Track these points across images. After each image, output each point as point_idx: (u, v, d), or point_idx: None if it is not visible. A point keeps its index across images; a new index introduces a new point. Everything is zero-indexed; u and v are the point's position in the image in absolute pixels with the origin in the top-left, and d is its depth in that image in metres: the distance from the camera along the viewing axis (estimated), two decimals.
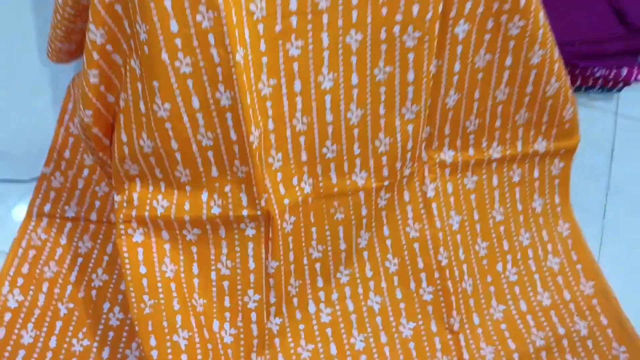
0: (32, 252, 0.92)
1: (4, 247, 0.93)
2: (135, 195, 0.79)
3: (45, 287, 0.89)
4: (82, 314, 0.88)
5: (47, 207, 0.95)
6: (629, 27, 1.02)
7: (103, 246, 0.93)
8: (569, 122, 0.91)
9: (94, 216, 0.95)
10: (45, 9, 1.10)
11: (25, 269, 0.90)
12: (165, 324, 0.76)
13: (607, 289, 0.92)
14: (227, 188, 0.77)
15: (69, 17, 0.75)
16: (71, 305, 0.89)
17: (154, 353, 0.75)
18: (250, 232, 0.78)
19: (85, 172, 0.98)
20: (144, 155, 0.75)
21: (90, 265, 0.92)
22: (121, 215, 0.79)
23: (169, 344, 0.76)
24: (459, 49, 0.79)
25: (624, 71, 1.06)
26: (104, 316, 0.88)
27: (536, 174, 0.96)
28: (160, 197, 0.79)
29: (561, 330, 0.88)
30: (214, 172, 0.76)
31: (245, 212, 0.76)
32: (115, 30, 0.68)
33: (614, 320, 0.89)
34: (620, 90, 1.12)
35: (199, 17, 0.64)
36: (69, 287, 0.90)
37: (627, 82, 1.09)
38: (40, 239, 0.93)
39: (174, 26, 0.64)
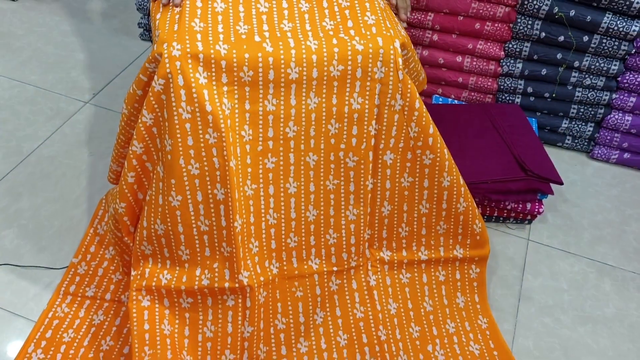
0: (55, 322, 1.15)
1: (34, 317, 1.16)
2: (147, 271, 1.05)
3: (62, 348, 1.11)
4: None
5: (72, 288, 1.20)
6: (526, 173, 1.35)
7: (113, 319, 1.16)
8: (479, 235, 1.17)
9: (108, 296, 1.20)
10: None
11: (48, 334, 1.13)
12: None
13: None
14: (215, 265, 1.02)
15: (122, 143, 1.09)
16: None
17: None
18: (230, 302, 1.02)
19: (105, 263, 1.25)
20: (157, 237, 1.03)
21: (101, 333, 1.14)
22: (134, 285, 1.05)
23: None
24: (388, 172, 1.08)
25: (529, 205, 1.38)
26: None
27: (457, 275, 1.20)
28: (165, 272, 1.05)
29: None
30: (207, 252, 1.02)
31: (227, 285, 1.00)
32: (150, 144, 1.00)
33: None
34: (530, 222, 1.43)
35: (207, 136, 0.95)
36: (82, 350, 1.11)
37: (533, 215, 1.40)
38: (63, 312, 1.17)
39: (190, 141, 0.95)
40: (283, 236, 1.07)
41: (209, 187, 0.98)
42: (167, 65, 0.91)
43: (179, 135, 0.94)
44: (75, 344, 1.12)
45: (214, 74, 0.93)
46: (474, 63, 1.59)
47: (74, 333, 1.13)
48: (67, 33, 1.93)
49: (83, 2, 2.09)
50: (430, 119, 1.06)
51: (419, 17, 1.56)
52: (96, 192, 1.41)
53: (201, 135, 0.95)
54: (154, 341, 1.00)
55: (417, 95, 1.03)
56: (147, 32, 1.90)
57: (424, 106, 1.04)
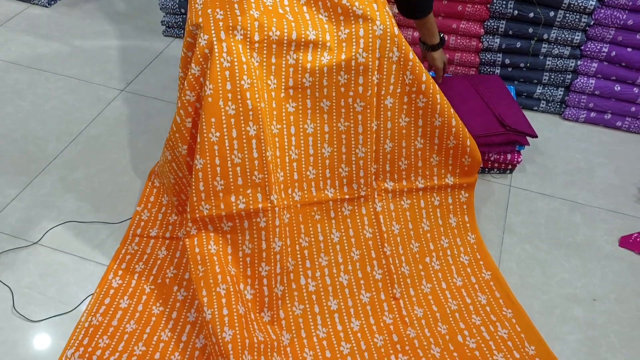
0: (127, 257, 1.38)
1: (101, 260, 1.40)
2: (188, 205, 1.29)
3: (135, 276, 1.34)
4: (159, 292, 1.31)
5: (138, 231, 1.44)
6: (506, 128, 1.59)
7: (173, 252, 1.39)
8: (467, 166, 1.41)
9: (167, 234, 1.43)
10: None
11: (123, 266, 1.36)
12: (211, 281, 1.20)
13: (499, 275, 1.36)
14: (248, 191, 1.21)
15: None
16: (152, 287, 1.32)
17: (205, 299, 1.18)
18: (262, 223, 1.22)
19: (163, 209, 1.49)
20: (196, 172, 1.22)
21: (165, 264, 1.37)
22: (185, 221, 1.28)
23: (214, 293, 1.18)
24: (389, 114, 1.30)
25: (509, 156, 1.62)
26: (173, 294, 1.31)
27: (450, 200, 1.44)
28: (203, 203, 1.26)
29: (468, 300, 1.31)
30: (239, 181, 1.21)
31: (260, 205, 1.20)
32: (200, 93, 1.21)
33: (504, 294, 1.32)
34: (511, 171, 1.67)
35: (242, 82, 1.15)
36: (151, 277, 1.34)
37: (513, 164, 1.64)
38: (133, 249, 1.40)
39: (228, 85, 1.15)
40: (303, 169, 1.27)
41: (242, 124, 1.17)
42: (212, 25, 1.14)
43: (219, 80, 1.15)
44: (145, 274, 1.35)
45: (248, 32, 1.16)
46: (458, 41, 1.84)
47: (143, 265, 1.37)
48: (99, 33, 2.18)
49: (110, 6, 2.34)
50: (423, 68, 1.28)
51: None
52: (139, 162, 1.65)
53: (237, 81, 1.15)
54: (204, 260, 1.21)
55: (410, 48, 1.25)
56: (169, 29, 2.14)
57: (415, 56, 1.27)
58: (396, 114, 1.31)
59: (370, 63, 1.23)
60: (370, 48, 1.22)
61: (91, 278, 1.35)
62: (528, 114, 1.87)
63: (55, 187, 1.57)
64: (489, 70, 1.87)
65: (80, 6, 2.33)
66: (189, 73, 1.19)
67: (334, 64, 1.22)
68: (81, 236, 1.45)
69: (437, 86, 1.31)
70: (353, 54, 1.21)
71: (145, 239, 1.43)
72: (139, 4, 2.35)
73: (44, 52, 2.07)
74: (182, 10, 2.08)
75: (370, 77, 1.24)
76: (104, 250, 1.42)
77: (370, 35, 1.21)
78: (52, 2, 2.32)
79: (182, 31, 2.12)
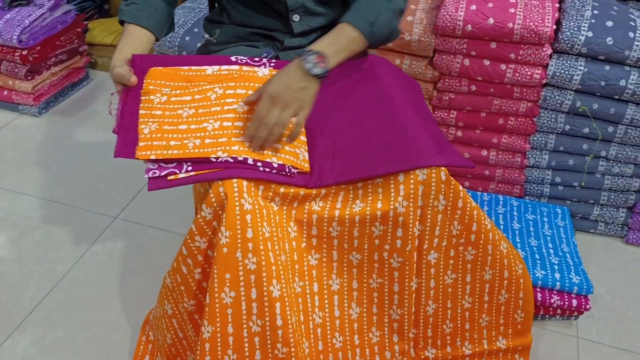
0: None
1: None
2: None
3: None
4: None
5: None
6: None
7: None
8: (520, 324, 1.18)
9: None
10: None
11: None
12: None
13: None
14: None
15: None
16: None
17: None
18: None
19: None
20: (202, 342, 0.96)
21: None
22: None
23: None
24: (432, 271, 1.09)
25: (575, 302, 1.35)
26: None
27: None
28: None
29: None
30: (257, 356, 0.97)
31: None
32: (213, 239, 0.97)
33: None
34: (577, 317, 1.39)
35: (263, 230, 0.94)
36: None
37: (580, 311, 1.37)
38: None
39: (249, 233, 0.93)
40: (329, 336, 1.06)
41: (265, 284, 0.95)
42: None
43: (238, 227, 0.93)
44: None
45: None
46: (500, 156, 1.60)
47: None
48: (92, 145, 1.96)
49: (105, 113, 2.14)
50: (475, 215, 1.06)
51: (442, 115, 1.59)
52: (132, 313, 1.39)
53: (259, 228, 0.94)
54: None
55: (461, 193, 1.04)
56: None
57: (468, 202, 1.05)
58: (441, 270, 1.10)
59: (411, 213, 1.01)
60: (411, 196, 1.00)
61: None
62: (584, 238, 1.62)
63: (29, 352, 1.30)
64: (536, 189, 1.63)
65: (74, 114, 2.14)
66: (199, 215, 0.97)
67: (368, 213, 1.01)
68: None
69: (490, 235, 1.08)
70: (391, 202, 1.00)
71: None
72: None
73: (29, 170, 1.84)
74: None
75: (410, 229, 1.03)
76: None
77: (412, 181, 0.99)
78: (44, 111, 2.12)
79: None
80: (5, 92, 2.10)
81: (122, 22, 1.11)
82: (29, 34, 2.00)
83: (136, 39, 1.09)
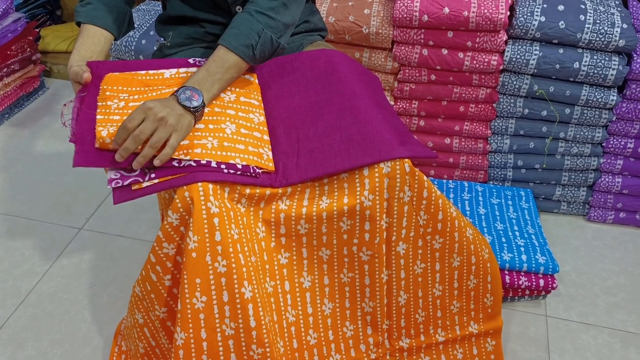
0: None
1: None
2: None
3: None
4: None
5: None
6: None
7: None
8: (490, 307, 1.19)
9: None
10: None
11: None
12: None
13: None
14: None
15: None
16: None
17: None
18: None
19: None
20: (176, 349, 0.95)
21: None
22: None
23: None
24: (402, 261, 1.09)
25: (542, 282, 1.38)
26: None
27: (475, 351, 1.21)
28: None
29: None
30: (232, 359, 0.96)
31: None
32: (181, 244, 0.96)
33: None
34: (544, 297, 1.43)
35: (232, 232, 0.93)
36: None
37: (547, 290, 1.40)
38: None
39: (217, 236, 0.92)
40: (303, 334, 1.06)
41: (236, 286, 0.94)
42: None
43: (206, 231, 0.92)
44: None
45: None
46: (463, 143, 1.63)
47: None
48: (52, 156, 1.91)
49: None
50: (440, 204, 1.07)
51: (404, 106, 1.61)
52: (103, 325, 1.37)
53: (227, 230, 0.93)
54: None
55: (426, 183, 1.05)
56: None
57: (433, 191, 1.06)
58: (410, 260, 1.11)
59: (377, 206, 1.02)
60: (377, 189, 1.00)
61: None
62: (548, 218, 1.66)
63: None
64: (499, 173, 1.66)
65: (30, 125, 2.08)
66: (166, 222, 0.96)
67: (335, 208, 1.01)
68: None
69: (455, 222, 1.09)
70: (357, 196, 1.00)
71: None
72: None
73: None
74: None
75: (378, 222, 1.03)
76: None
77: (377, 174, 0.99)
78: None
79: None
80: None
81: (78, 24, 1.09)
82: None
83: (93, 38, 1.07)
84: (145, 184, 0.94)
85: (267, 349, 0.96)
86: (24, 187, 1.79)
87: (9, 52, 2.05)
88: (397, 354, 1.16)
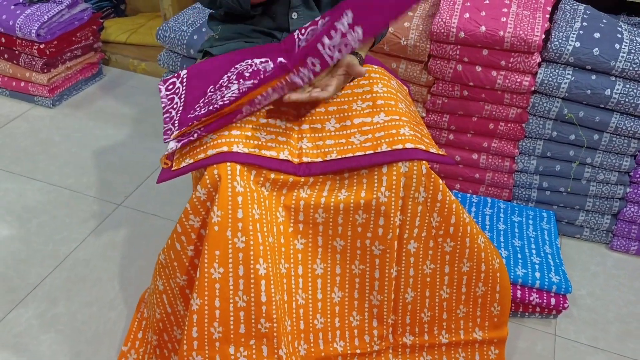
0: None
1: None
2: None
3: None
4: None
5: None
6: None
7: None
8: (497, 317, 1.22)
9: None
10: None
11: None
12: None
13: None
14: (252, 342, 1.02)
15: None
16: None
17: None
18: None
19: (149, 348, 1.28)
20: (190, 313, 1.02)
21: None
22: None
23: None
24: (412, 260, 1.13)
25: (553, 300, 1.39)
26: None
27: (477, 357, 1.23)
28: (194, 354, 1.03)
29: None
30: (242, 329, 1.02)
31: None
32: (206, 218, 1.04)
33: None
34: (555, 316, 1.44)
35: (253, 211, 1.00)
36: None
37: (558, 310, 1.41)
38: None
39: (239, 214, 0.99)
40: (310, 317, 1.11)
41: (252, 261, 1.00)
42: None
43: (230, 207, 0.99)
44: None
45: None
46: (490, 160, 1.66)
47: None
48: (101, 137, 2.05)
49: (116, 107, 2.23)
50: (454, 208, 1.11)
51: (435, 118, 1.66)
52: (130, 295, 1.46)
53: (250, 209, 1.00)
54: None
55: (441, 186, 1.09)
56: None
57: (448, 195, 1.10)
58: (420, 260, 1.15)
59: (392, 203, 1.07)
60: (393, 187, 1.06)
61: None
62: (570, 243, 1.67)
63: (31, 325, 1.37)
64: (524, 193, 1.68)
65: (86, 107, 2.23)
66: (194, 196, 1.04)
67: (352, 201, 1.06)
68: None
69: (468, 228, 1.13)
70: (374, 192, 1.05)
71: None
72: (148, 105, 2.24)
73: (40, 158, 1.93)
74: None
75: (392, 218, 1.08)
76: None
77: (395, 173, 1.05)
78: (57, 102, 2.21)
79: None
80: (22, 84, 2.20)
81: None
82: (47, 29, 2.10)
83: None
84: (184, 163, 1.03)
85: (275, 324, 1.02)
86: (72, 162, 1.92)
87: (74, 38, 2.21)
88: (399, 349, 1.20)
